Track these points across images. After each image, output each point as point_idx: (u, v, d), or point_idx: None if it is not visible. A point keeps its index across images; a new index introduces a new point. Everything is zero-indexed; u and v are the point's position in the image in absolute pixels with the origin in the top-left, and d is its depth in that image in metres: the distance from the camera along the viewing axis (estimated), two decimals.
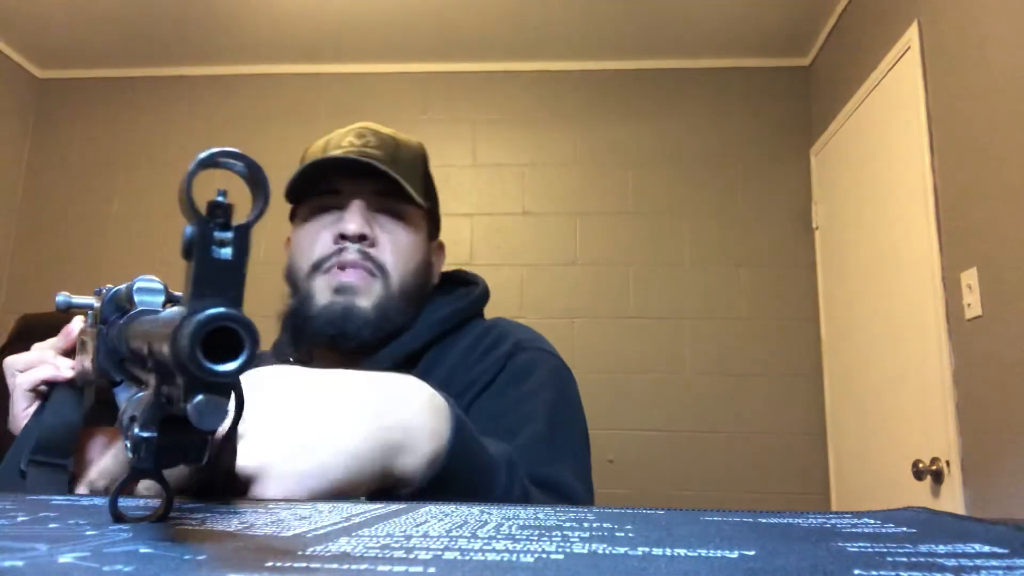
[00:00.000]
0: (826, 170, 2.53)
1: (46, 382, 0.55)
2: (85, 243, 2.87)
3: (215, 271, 0.19)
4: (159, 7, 2.58)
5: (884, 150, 2.08)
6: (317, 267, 0.75)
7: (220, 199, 0.19)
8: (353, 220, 0.74)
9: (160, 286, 0.34)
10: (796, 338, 2.56)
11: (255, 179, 0.20)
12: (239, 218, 0.20)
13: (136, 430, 0.22)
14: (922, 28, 1.88)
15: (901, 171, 1.95)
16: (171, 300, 0.35)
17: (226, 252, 0.19)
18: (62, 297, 0.49)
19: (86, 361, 0.46)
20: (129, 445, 0.22)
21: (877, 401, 2.09)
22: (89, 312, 0.50)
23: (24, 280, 2.86)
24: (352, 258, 0.74)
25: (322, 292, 0.75)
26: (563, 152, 2.78)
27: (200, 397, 0.18)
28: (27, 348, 0.58)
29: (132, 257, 2.79)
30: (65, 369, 0.54)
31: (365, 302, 0.74)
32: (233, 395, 0.21)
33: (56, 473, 0.52)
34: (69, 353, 0.56)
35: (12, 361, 0.56)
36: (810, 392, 2.51)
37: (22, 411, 0.56)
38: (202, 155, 0.19)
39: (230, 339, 0.18)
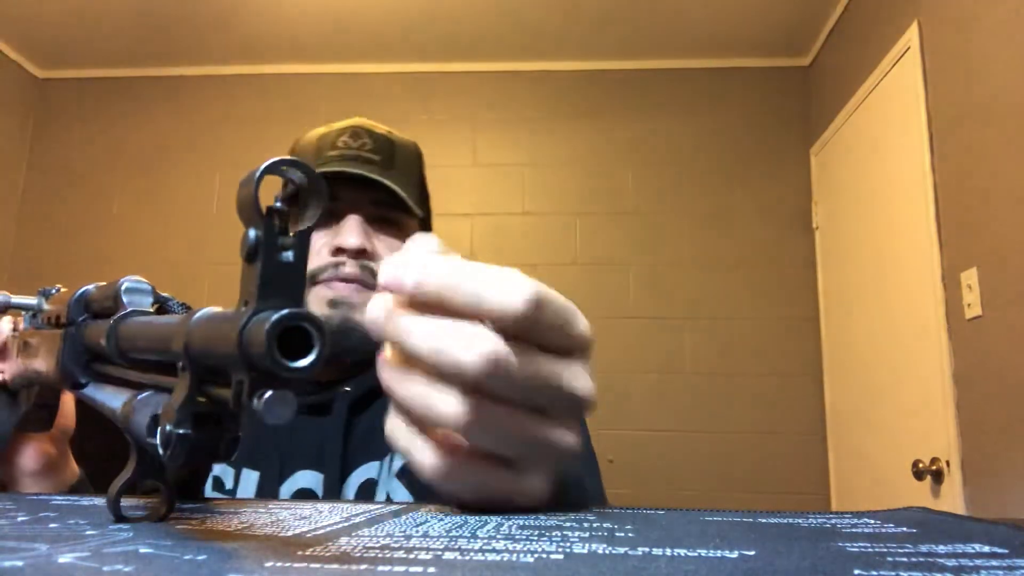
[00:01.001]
0: (826, 170, 2.53)
1: None
2: (85, 243, 2.87)
3: (280, 273, 0.20)
4: (159, 7, 2.58)
5: (884, 150, 2.08)
6: (312, 279, 0.73)
7: (278, 205, 0.20)
8: (353, 235, 0.72)
9: (148, 287, 0.34)
10: (796, 338, 2.56)
11: (314, 188, 0.21)
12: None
13: (169, 427, 0.22)
14: (922, 28, 1.88)
15: (901, 171, 1.95)
16: (158, 302, 0.35)
17: (288, 255, 0.20)
18: (0, 296, 0.48)
19: (34, 362, 0.45)
20: (159, 442, 0.23)
21: (877, 401, 2.09)
22: (25, 313, 0.49)
23: (24, 280, 2.85)
24: (351, 272, 0.72)
25: (316, 304, 0.72)
26: (563, 152, 2.78)
27: (270, 393, 0.19)
28: None
29: (132, 257, 2.79)
30: None
31: (362, 315, 0.73)
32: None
33: None
34: None
35: None
36: (810, 392, 2.51)
37: None
38: (266, 163, 0.20)
39: (295, 338, 0.19)
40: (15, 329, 0.52)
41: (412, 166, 0.79)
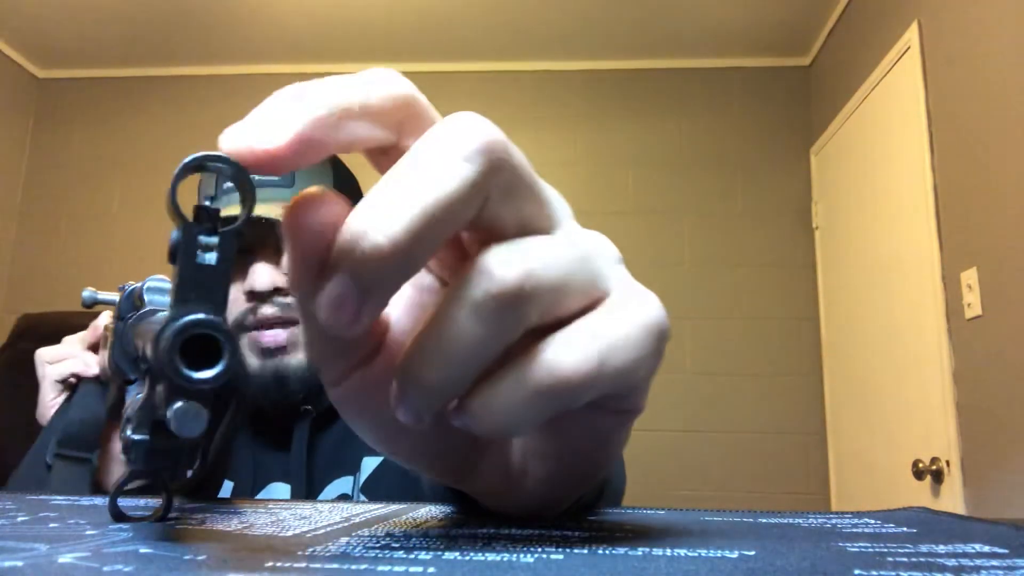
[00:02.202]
0: (826, 170, 2.53)
1: (74, 375, 0.56)
2: (85, 243, 2.86)
3: (199, 276, 0.19)
4: (159, 7, 2.58)
5: (884, 150, 2.08)
6: (236, 327, 0.70)
7: (206, 203, 0.19)
8: (261, 277, 0.68)
9: (169, 287, 0.34)
10: (796, 338, 2.56)
11: (240, 182, 0.19)
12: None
13: (129, 432, 0.22)
14: (922, 28, 1.88)
15: (901, 171, 1.95)
16: None
17: (210, 257, 0.19)
18: (88, 292, 0.50)
19: (106, 356, 0.46)
20: (122, 446, 0.22)
21: (877, 401, 2.09)
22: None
23: (24, 280, 2.85)
24: (271, 313, 0.69)
25: (248, 354, 0.70)
26: (563, 152, 2.78)
27: (179, 404, 0.18)
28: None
29: (132, 257, 2.79)
30: (92, 365, 0.56)
31: (296, 357, 0.69)
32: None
33: (80, 466, 0.53)
34: (95, 347, 0.57)
35: (43, 352, 0.58)
36: (810, 392, 2.51)
37: (49, 401, 0.58)
38: (187, 159, 0.18)
39: (212, 345, 0.18)
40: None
41: (319, 172, 0.75)
